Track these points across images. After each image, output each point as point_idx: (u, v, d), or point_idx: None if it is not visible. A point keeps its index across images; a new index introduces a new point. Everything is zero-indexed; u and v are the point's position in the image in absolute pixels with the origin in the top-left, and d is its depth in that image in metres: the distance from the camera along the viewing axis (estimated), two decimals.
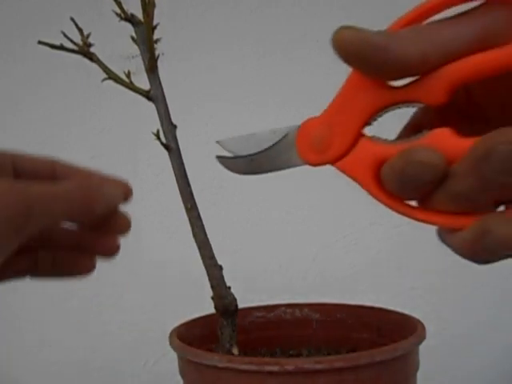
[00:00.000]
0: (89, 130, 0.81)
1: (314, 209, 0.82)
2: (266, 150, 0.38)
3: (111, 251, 0.42)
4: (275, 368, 0.39)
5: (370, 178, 0.33)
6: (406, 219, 0.81)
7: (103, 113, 0.81)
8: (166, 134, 0.47)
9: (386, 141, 0.33)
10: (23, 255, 0.40)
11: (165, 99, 0.46)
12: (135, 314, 0.80)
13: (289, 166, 0.37)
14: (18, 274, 0.41)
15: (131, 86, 0.46)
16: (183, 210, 0.84)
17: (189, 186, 0.47)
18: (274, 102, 0.82)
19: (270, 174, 0.79)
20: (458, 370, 0.80)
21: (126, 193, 0.42)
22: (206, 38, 0.82)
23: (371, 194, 0.33)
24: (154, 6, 0.44)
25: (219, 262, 0.48)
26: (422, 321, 0.49)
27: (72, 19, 0.46)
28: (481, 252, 0.30)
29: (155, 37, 0.45)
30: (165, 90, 0.47)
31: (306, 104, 0.82)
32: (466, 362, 0.80)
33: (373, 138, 0.33)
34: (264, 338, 0.56)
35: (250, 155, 0.39)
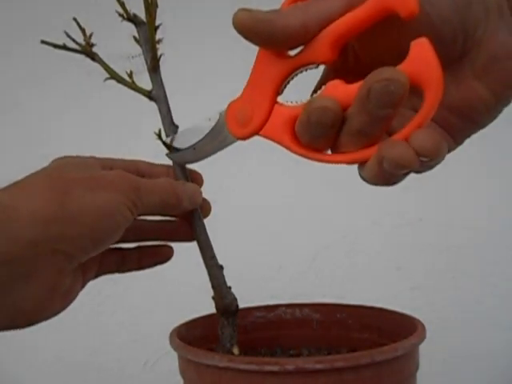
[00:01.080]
0: (89, 129, 0.81)
1: (314, 209, 0.82)
2: (203, 137, 0.43)
3: (190, 237, 0.47)
4: (275, 368, 0.39)
5: (288, 136, 0.38)
6: (406, 219, 0.82)
7: (103, 113, 0.81)
8: (168, 133, 0.46)
9: (295, 103, 0.38)
10: (113, 252, 0.46)
11: (166, 99, 0.46)
12: (135, 314, 0.80)
13: (226, 145, 0.43)
14: (109, 269, 0.47)
15: (133, 86, 0.46)
16: None
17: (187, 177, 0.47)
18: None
19: (269, 174, 0.79)
20: (457, 370, 0.80)
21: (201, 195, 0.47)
22: (207, 38, 0.82)
23: (291, 150, 0.38)
24: (156, 6, 0.44)
25: (220, 262, 0.48)
26: (422, 321, 0.49)
27: (74, 19, 0.46)
28: (384, 176, 0.35)
29: (157, 37, 0.45)
30: (166, 90, 0.47)
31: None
32: (466, 362, 0.80)
33: (285, 103, 0.38)
34: (264, 338, 0.56)
35: (191, 146, 0.44)
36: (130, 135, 0.81)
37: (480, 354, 0.80)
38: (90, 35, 0.46)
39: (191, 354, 0.43)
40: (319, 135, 0.35)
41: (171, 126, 0.46)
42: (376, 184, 0.37)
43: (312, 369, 0.39)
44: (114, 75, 0.46)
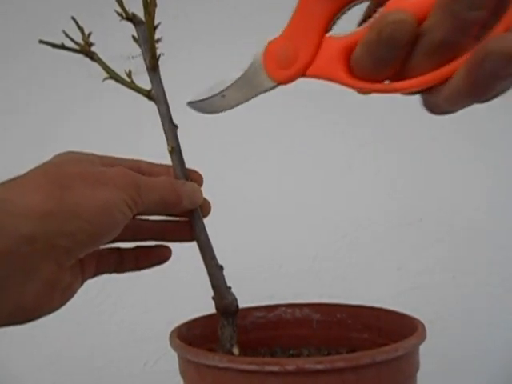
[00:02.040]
0: (89, 129, 0.81)
1: (314, 209, 0.82)
2: (234, 82, 0.38)
3: (190, 237, 0.47)
4: (276, 368, 0.39)
5: (342, 70, 0.34)
6: (406, 219, 0.81)
7: (103, 113, 0.81)
8: (167, 133, 0.46)
9: (347, 33, 0.34)
10: (111, 252, 0.46)
11: (166, 99, 0.46)
12: (135, 314, 0.80)
13: (261, 91, 0.38)
14: (107, 268, 0.46)
15: (132, 86, 0.46)
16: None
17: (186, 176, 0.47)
18: (275, 102, 0.82)
19: (269, 175, 0.79)
20: (458, 371, 0.80)
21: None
22: (206, 37, 0.82)
23: (347, 84, 0.34)
24: (155, 5, 0.44)
25: (220, 263, 0.48)
26: (422, 321, 0.49)
27: (73, 18, 0.45)
28: (480, 80, 0.30)
29: (156, 36, 0.45)
30: (165, 90, 0.47)
31: (305, 103, 0.82)
32: (467, 362, 0.80)
33: (335, 35, 0.34)
34: (264, 338, 0.56)
35: (220, 92, 0.39)
36: (130, 135, 0.81)
37: (480, 354, 0.80)
38: (89, 34, 0.46)
39: (191, 355, 0.43)
40: (388, 58, 0.31)
41: (170, 126, 0.46)
42: (453, 110, 0.33)
43: (312, 369, 0.39)
44: (113, 75, 0.46)
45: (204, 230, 0.47)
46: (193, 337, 0.49)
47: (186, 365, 0.45)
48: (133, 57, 0.72)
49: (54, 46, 0.45)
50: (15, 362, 0.79)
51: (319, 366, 0.39)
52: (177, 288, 0.80)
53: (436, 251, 0.81)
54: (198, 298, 0.80)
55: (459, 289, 0.81)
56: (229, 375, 0.41)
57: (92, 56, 0.46)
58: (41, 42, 0.45)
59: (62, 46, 0.45)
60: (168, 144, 0.47)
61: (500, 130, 0.82)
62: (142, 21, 0.45)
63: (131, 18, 0.45)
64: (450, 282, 0.81)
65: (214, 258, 0.47)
